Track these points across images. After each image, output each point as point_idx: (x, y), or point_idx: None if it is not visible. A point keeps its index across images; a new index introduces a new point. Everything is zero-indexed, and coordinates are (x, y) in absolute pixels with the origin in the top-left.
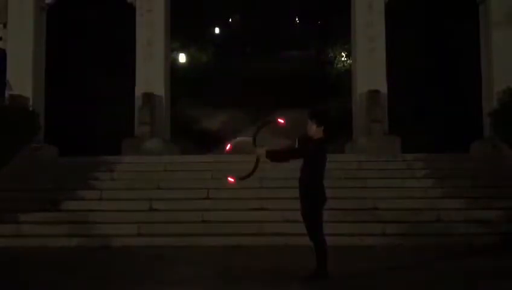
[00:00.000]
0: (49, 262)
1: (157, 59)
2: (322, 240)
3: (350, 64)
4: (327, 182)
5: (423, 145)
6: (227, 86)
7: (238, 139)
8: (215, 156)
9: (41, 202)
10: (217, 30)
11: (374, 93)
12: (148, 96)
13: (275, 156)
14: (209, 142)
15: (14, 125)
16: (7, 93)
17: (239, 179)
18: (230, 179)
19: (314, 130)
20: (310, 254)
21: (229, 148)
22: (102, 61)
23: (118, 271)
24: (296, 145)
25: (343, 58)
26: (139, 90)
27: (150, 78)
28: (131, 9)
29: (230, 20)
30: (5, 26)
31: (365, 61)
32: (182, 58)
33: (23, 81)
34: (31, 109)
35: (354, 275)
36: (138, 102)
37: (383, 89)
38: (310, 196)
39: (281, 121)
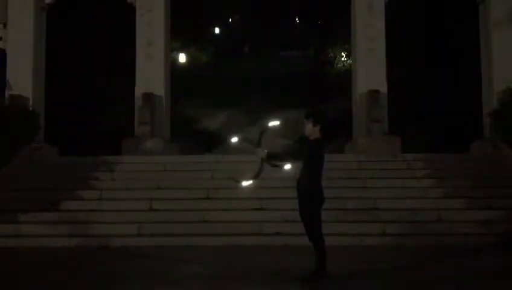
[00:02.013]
0: (49, 262)
1: (157, 59)
2: (321, 240)
3: (350, 64)
4: (327, 182)
5: (423, 145)
6: (227, 86)
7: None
8: (215, 156)
9: (41, 202)
10: (217, 30)
11: (374, 93)
12: (148, 96)
13: (275, 158)
14: (209, 142)
15: (14, 125)
16: (7, 93)
17: (245, 181)
18: (245, 183)
19: (311, 129)
20: (309, 254)
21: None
22: (102, 61)
23: (118, 271)
24: (294, 146)
25: (343, 58)
26: (139, 90)
27: (150, 78)
28: (131, 9)
29: (230, 20)
30: (5, 26)
31: (365, 61)
32: (182, 58)
33: (23, 81)
34: (31, 109)
35: (354, 275)
36: (138, 102)
37: (383, 89)
38: (308, 196)
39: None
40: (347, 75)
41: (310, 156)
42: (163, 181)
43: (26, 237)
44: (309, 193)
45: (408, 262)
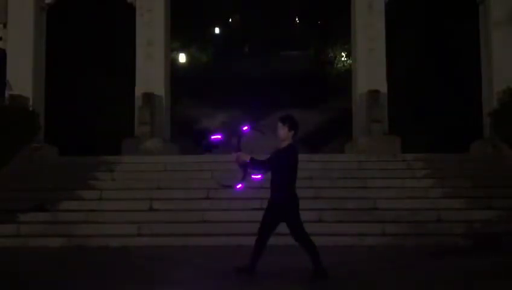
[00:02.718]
0: (49, 262)
1: (157, 59)
2: (308, 239)
3: (350, 64)
4: (327, 182)
5: (423, 145)
6: (227, 86)
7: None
8: (215, 156)
9: (41, 202)
10: (217, 30)
11: (374, 93)
12: (148, 96)
13: (257, 164)
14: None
15: (14, 125)
16: (7, 93)
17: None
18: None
19: (286, 134)
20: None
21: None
22: (102, 61)
23: (117, 271)
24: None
25: (343, 58)
26: (139, 90)
27: (150, 78)
28: (131, 9)
29: (230, 20)
30: (5, 26)
31: (365, 61)
32: (182, 58)
33: (23, 81)
34: (31, 109)
35: (354, 275)
36: (138, 102)
37: (383, 89)
38: (283, 200)
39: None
40: (347, 75)
41: (284, 161)
42: (163, 181)
43: (26, 237)
44: (284, 195)
45: (408, 262)
